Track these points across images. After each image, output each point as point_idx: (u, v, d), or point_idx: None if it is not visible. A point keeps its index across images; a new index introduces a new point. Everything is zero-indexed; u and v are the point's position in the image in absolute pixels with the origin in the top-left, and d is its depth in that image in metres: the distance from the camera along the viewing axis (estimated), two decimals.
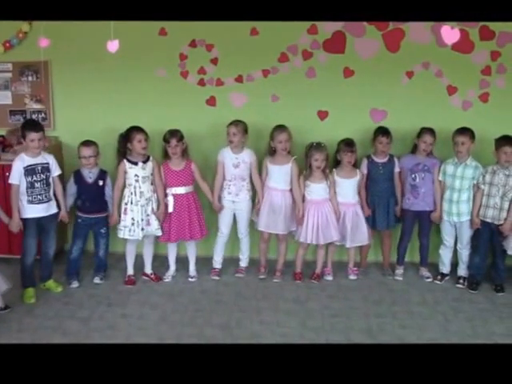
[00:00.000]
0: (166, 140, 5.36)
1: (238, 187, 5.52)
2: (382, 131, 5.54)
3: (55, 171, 5.19)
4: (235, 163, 5.47)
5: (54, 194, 5.23)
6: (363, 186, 5.64)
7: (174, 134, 5.35)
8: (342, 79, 5.71)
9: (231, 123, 5.41)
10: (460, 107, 5.73)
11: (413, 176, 5.58)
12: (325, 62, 5.68)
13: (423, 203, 5.60)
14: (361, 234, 5.58)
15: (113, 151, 5.51)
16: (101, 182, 5.38)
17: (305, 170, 5.50)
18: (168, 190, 5.45)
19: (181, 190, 5.44)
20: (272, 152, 5.49)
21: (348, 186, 5.54)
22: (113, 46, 4.61)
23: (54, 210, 5.21)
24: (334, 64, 5.67)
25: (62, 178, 5.39)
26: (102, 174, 5.42)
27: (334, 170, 5.55)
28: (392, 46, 5.63)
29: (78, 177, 5.37)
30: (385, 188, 5.64)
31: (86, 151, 5.28)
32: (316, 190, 5.48)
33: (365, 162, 5.63)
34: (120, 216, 5.37)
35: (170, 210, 5.42)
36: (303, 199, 5.51)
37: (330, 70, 5.68)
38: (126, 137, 5.33)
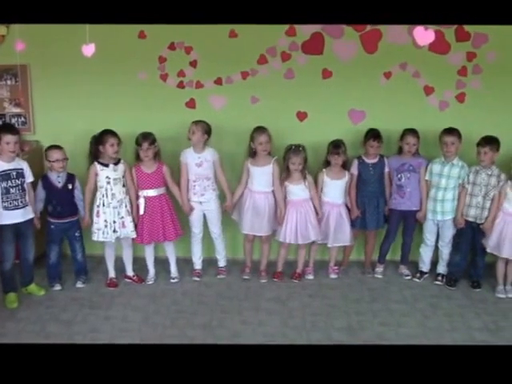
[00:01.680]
0: (138, 143, 5.37)
1: (202, 187, 5.53)
2: (373, 135, 5.58)
3: (28, 178, 5.17)
4: (198, 162, 5.48)
5: None
6: (353, 187, 5.68)
7: (146, 137, 5.37)
8: (321, 80, 5.75)
9: (192, 122, 5.43)
10: (437, 107, 5.80)
11: (399, 176, 5.65)
12: (303, 63, 5.72)
13: (409, 203, 5.67)
14: (343, 235, 5.63)
15: None
16: (70, 186, 5.36)
17: (283, 172, 5.54)
18: (140, 193, 5.46)
19: (152, 193, 5.46)
20: (253, 154, 5.52)
21: (336, 187, 5.59)
22: (88, 49, 4.60)
23: (31, 215, 5.19)
24: (312, 65, 5.72)
25: (35, 185, 5.35)
26: (71, 178, 5.39)
27: (323, 170, 5.60)
28: (370, 47, 5.69)
29: (47, 182, 5.32)
30: (375, 188, 5.70)
31: (59, 154, 5.26)
32: (294, 190, 5.53)
33: (355, 163, 5.67)
34: (93, 219, 5.37)
35: (141, 212, 5.44)
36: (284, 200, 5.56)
37: (309, 72, 5.72)
38: (99, 139, 5.32)
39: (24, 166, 5.13)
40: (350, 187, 5.65)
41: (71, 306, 5.13)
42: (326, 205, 5.61)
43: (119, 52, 5.69)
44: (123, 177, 5.42)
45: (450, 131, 5.44)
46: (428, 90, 5.77)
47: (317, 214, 5.57)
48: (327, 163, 5.60)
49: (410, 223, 5.77)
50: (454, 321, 4.97)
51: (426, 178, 5.61)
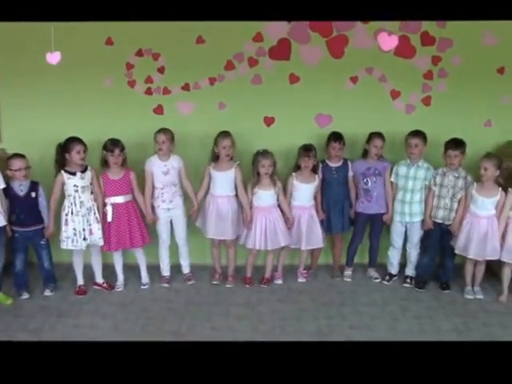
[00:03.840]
0: (108, 149, 5.33)
1: (170, 194, 5.53)
2: (335, 137, 5.62)
3: (0, 184, 5.14)
4: (164, 170, 5.48)
5: None
6: (319, 191, 5.70)
7: (117, 143, 5.34)
8: (288, 85, 5.78)
9: (159, 131, 5.43)
10: (403, 111, 5.86)
11: (365, 180, 5.68)
12: (270, 68, 5.74)
13: (377, 206, 5.71)
14: (315, 237, 5.64)
15: None
16: (33, 194, 5.30)
17: (252, 177, 5.54)
18: (107, 200, 5.42)
19: (119, 200, 5.43)
20: (215, 158, 5.53)
21: (306, 191, 5.60)
22: (53, 57, 4.60)
23: (1, 224, 5.15)
24: (279, 71, 5.74)
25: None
26: (34, 186, 5.33)
27: (293, 174, 5.61)
28: (336, 53, 5.73)
29: (9, 191, 5.25)
30: (339, 192, 5.72)
31: (22, 163, 5.20)
32: (264, 197, 5.52)
33: (319, 167, 5.69)
34: (61, 227, 5.32)
35: (109, 219, 5.40)
36: (251, 205, 5.56)
37: (276, 77, 5.75)
38: (65, 147, 5.27)
39: None
40: (316, 191, 5.67)
41: (39, 315, 5.08)
42: (296, 209, 5.62)
43: (86, 59, 5.66)
44: (91, 184, 5.38)
45: (415, 133, 5.49)
46: (394, 94, 5.83)
47: (286, 219, 5.57)
48: (297, 167, 5.61)
49: (377, 226, 5.81)
50: (423, 323, 4.99)
51: (392, 179, 5.65)
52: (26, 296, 5.38)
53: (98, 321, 5.00)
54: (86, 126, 5.63)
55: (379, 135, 5.58)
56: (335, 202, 5.70)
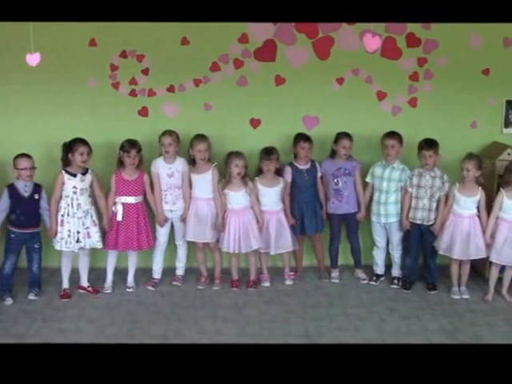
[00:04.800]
0: (124, 150, 5.34)
1: (174, 196, 5.54)
2: (303, 137, 5.61)
3: None
4: (169, 173, 5.50)
5: None
6: (287, 194, 5.67)
7: (134, 144, 5.36)
8: (274, 87, 5.77)
9: (165, 133, 5.43)
10: (390, 112, 5.88)
11: (335, 181, 5.69)
12: (256, 70, 5.73)
13: (348, 206, 5.73)
14: (285, 241, 5.62)
15: (45, 164, 5.46)
16: (36, 196, 5.29)
17: (223, 179, 5.51)
18: (117, 199, 5.42)
19: (131, 200, 5.43)
20: (193, 161, 5.53)
21: (271, 195, 5.58)
22: (33, 58, 4.55)
23: None
24: (265, 72, 5.74)
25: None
26: (37, 188, 5.32)
27: (256, 178, 5.58)
28: (322, 54, 5.73)
29: (13, 191, 5.24)
30: (310, 194, 5.71)
31: (27, 163, 5.19)
32: (235, 198, 5.50)
33: (289, 170, 5.66)
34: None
35: (119, 218, 5.40)
36: (225, 208, 5.54)
37: (262, 79, 5.74)
38: (69, 147, 5.26)
39: None
40: (284, 194, 5.64)
41: (23, 319, 5.00)
42: (264, 213, 5.59)
43: (70, 60, 5.62)
44: (90, 187, 5.37)
45: (391, 134, 5.52)
46: (380, 95, 5.84)
47: (257, 221, 5.55)
48: (260, 171, 5.59)
49: (352, 226, 5.83)
50: (410, 323, 4.99)
51: (368, 180, 5.69)
52: (9, 302, 5.30)
53: (84, 325, 4.94)
54: (70, 128, 5.57)
55: (347, 135, 5.59)
56: (307, 204, 5.69)
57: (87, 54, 5.64)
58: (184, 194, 5.59)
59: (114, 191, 5.44)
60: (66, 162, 5.31)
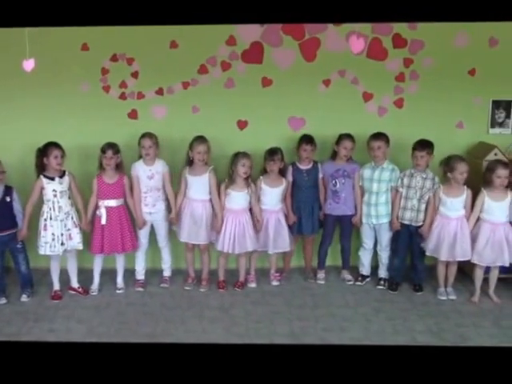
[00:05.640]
0: (102, 150, 5.40)
1: (154, 198, 5.60)
2: (306, 139, 5.64)
3: None
4: (149, 175, 5.55)
5: None
6: (289, 194, 5.72)
7: (111, 145, 5.41)
8: (261, 89, 5.81)
9: (145, 136, 5.48)
10: (376, 113, 5.90)
11: (333, 182, 5.71)
12: (243, 72, 5.77)
13: (344, 207, 5.74)
14: (283, 241, 5.67)
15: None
16: (8, 199, 5.33)
17: (226, 179, 5.57)
18: (100, 203, 5.48)
19: (112, 203, 5.49)
20: (190, 162, 5.56)
21: (274, 195, 5.63)
22: (28, 64, 4.61)
23: None
24: (252, 74, 5.77)
25: None
26: (8, 190, 5.35)
27: (260, 177, 5.64)
28: (308, 55, 5.76)
29: None
30: (309, 194, 5.74)
31: None
32: (236, 198, 5.55)
33: (290, 170, 5.71)
34: (40, 232, 5.34)
35: (103, 222, 5.45)
36: (223, 207, 5.58)
37: (249, 80, 5.78)
38: (43, 152, 5.32)
39: None
40: (286, 194, 5.70)
41: (16, 319, 5.09)
42: (264, 212, 5.64)
43: (61, 64, 5.68)
44: (69, 189, 5.42)
45: (377, 136, 5.53)
46: (367, 96, 5.86)
47: (257, 221, 5.60)
48: (264, 171, 5.64)
49: (346, 228, 5.84)
50: (396, 324, 5.02)
51: (359, 183, 5.70)
52: (3, 301, 5.39)
53: (74, 325, 5.02)
54: (63, 131, 5.66)
55: (349, 136, 5.61)
56: (305, 204, 5.73)
57: (79, 58, 5.69)
58: (168, 195, 5.64)
59: (96, 194, 5.49)
60: (42, 167, 5.34)
